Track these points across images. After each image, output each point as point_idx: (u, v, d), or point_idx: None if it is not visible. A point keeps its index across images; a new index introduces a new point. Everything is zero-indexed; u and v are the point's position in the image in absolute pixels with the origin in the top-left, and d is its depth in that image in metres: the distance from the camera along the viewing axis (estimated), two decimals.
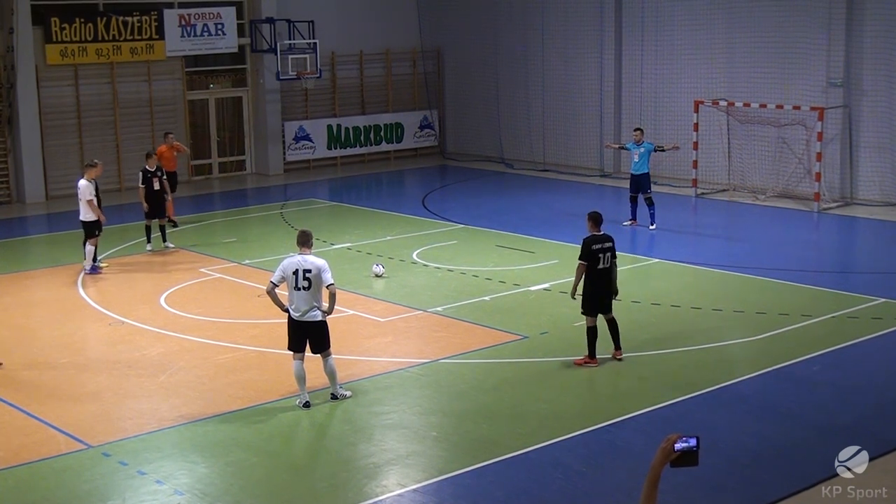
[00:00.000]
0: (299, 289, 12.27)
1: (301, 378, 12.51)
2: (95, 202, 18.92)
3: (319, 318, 12.40)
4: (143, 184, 20.64)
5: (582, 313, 13.78)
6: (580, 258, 13.58)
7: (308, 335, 12.45)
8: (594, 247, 13.48)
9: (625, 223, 22.39)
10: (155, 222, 20.89)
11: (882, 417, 12.18)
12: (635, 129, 23.09)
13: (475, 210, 24.72)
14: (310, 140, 31.34)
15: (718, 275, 18.56)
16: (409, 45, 33.28)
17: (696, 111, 26.48)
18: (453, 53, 33.72)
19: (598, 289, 13.58)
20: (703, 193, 26.38)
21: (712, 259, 19.61)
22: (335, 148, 31.82)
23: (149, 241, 20.88)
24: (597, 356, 13.72)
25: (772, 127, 25.80)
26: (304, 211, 25.32)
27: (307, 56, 29.48)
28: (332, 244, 20.99)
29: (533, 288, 17.49)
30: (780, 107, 25.20)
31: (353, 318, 16.07)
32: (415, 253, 20.25)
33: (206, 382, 13.63)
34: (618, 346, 13.88)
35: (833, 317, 15.87)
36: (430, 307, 16.61)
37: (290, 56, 29.24)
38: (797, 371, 13.60)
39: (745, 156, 26.61)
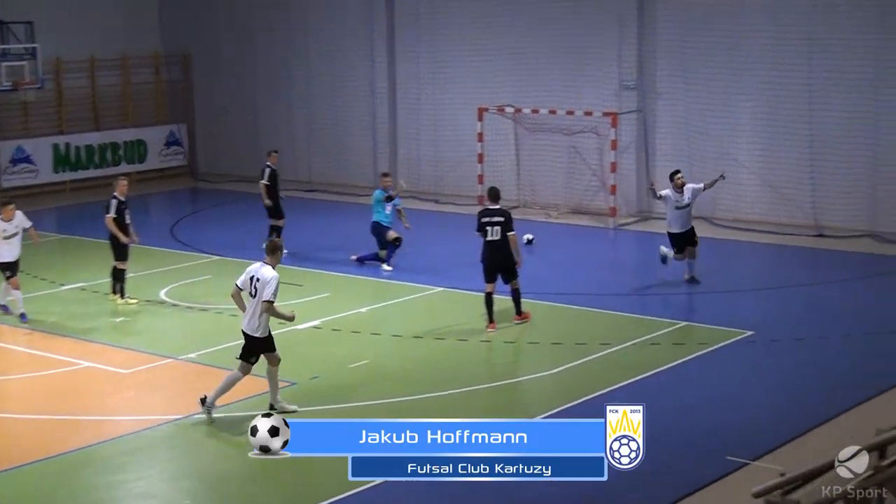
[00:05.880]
0: None
1: None
2: None
3: None
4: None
5: None
6: (476, 228, 17.34)
7: None
8: (483, 220, 17.20)
9: (352, 257, 22.04)
10: None
11: (685, 460, 12.52)
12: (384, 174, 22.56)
13: (232, 239, 24.55)
14: (31, 162, 30.48)
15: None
16: (150, 48, 32.83)
17: (481, 119, 27.15)
18: (203, 58, 33.45)
19: (486, 258, 17.31)
20: None
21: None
22: (63, 171, 31.04)
23: None
24: (494, 321, 17.28)
25: (563, 135, 26.73)
26: (26, 246, 24.54)
27: (25, 63, 28.79)
28: (62, 285, 20.48)
29: (301, 326, 17.52)
30: (570, 112, 26.14)
31: (89, 370, 15.74)
32: (162, 291, 19.99)
33: None
34: (517, 312, 17.55)
35: (633, 344, 16.57)
36: (182, 354, 16.46)
37: (4, 63, 28.49)
38: (596, 408, 14.02)
39: (535, 168, 27.46)
